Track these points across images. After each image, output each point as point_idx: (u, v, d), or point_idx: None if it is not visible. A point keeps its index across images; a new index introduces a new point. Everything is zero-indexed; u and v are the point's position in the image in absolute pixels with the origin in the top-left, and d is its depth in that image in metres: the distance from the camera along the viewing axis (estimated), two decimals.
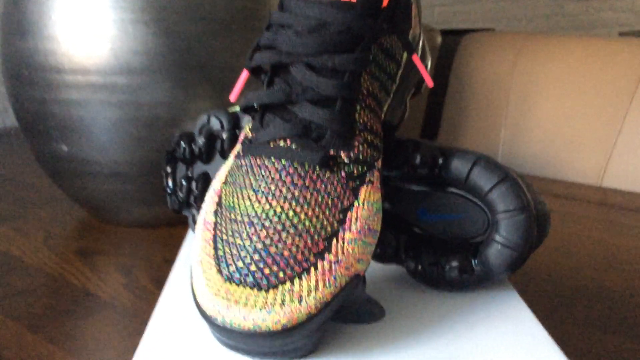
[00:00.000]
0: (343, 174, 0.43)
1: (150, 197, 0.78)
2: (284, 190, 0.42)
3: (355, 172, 0.44)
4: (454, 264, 0.49)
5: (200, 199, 0.59)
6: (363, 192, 0.44)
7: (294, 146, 0.43)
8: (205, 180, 0.59)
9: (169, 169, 0.61)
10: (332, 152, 0.44)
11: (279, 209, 0.41)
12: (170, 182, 0.61)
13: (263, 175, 0.43)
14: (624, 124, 0.90)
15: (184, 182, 0.60)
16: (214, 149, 0.58)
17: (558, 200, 0.95)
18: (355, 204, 0.43)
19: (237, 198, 0.43)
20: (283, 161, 0.43)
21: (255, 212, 0.42)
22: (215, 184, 0.47)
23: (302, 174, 0.43)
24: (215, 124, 0.57)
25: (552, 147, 0.99)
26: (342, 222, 0.42)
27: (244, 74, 0.50)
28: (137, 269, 0.71)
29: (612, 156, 0.94)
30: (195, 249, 0.44)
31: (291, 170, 0.43)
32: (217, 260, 0.41)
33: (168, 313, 0.47)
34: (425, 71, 0.48)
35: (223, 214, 0.44)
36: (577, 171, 0.96)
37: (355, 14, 0.44)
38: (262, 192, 0.42)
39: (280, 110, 0.45)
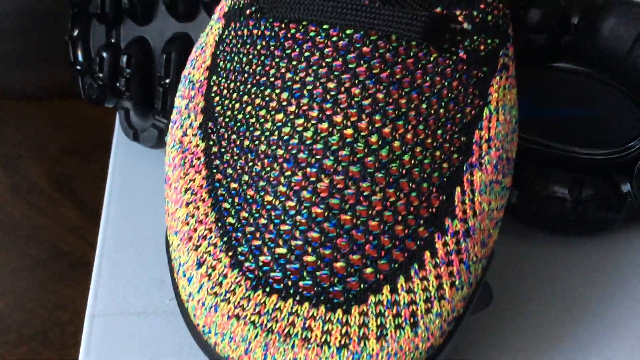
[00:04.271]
0: (462, 53, 0.22)
1: (36, 58, 0.59)
2: (356, 90, 0.21)
3: (482, 48, 0.23)
4: (588, 192, 0.30)
5: (135, 82, 0.35)
6: (495, 87, 0.23)
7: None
8: (142, 51, 0.36)
9: (76, 33, 0.37)
10: (439, 10, 0.22)
11: (349, 131, 0.21)
12: (80, 54, 0.37)
13: (307, 61, 0.21)
14: None
15: (104, 54, 0.36)
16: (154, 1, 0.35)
17: None
18: (486, 112, 0.23)
19: (251, 107, 0.22)
20: (349, 31, 0.21)
21: (300, 137, 0.20)
22: (193, 73, 0.25)
23: (389, 56, 0.22)
24: None
25: None
26: (465, 150, 0.22)
27: None
28: (24, 162, 0.51)
29: None
30: (169, 204, 0.22)
31: (366, 50, 0.21)
32: (227, 237, 0.20)
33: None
34: None
35: (222, 135, 0.22)
36: None
37: None
38: (309, 96, 0.21)
39: None
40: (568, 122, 0.31)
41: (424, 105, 0.22)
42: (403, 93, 0.22)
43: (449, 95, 0.22)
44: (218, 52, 0.24)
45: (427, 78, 0.22)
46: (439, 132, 0.22)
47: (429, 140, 0.22)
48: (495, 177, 0.23)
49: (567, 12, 0.29)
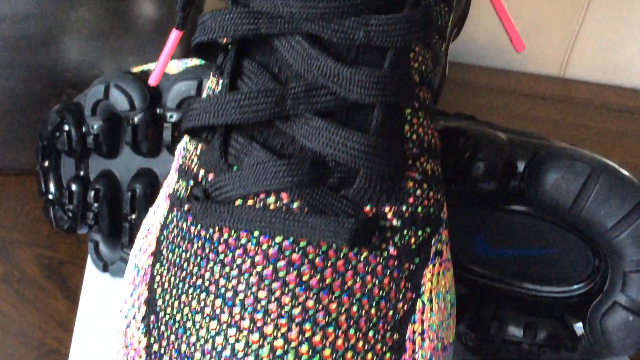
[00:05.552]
0: (392, 250, 0.23)
1: (27, 138, 0.56)
2: (286, 299, 0.22)
3: (412, 241, 0.23)
4: (542, 335, 0.30)
5: (103, 216, 0.36)
6: (428, 276, 0.23)
7: (295, 205, 0.22)
8: (109, 185, 0.36)
9: (46, 164, 0.38)
10: (368, 208, 0.22)
11: (279, 342, 0.21)
12: (52, 186, 0.38)
13: (239, 269, 0.22)
14: (590, 3, 0.77)
15: (74, 186, 0.37)
16: (119, 138, 0.35)
17: (515, 99, 0.78)
18: (418, 304, 0.23)
19: (188, 309, 0.22)
20: (278, 239, 0.22)
21: (232, 348, 0.21)
22: (139, 257, 0.25)
23: (318, 260, 0.22)
24: (118, 100, 0.34)
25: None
26: (398, 348, 0.22)
27: (173, 38, 0.26)
28: (16, 247, 0.49)
29: (576, 42, 0.82)
30: None
31: (295, 257, 0.22)
32: None
33: None
34: (512, 23, 0.26)
35: (162, 334, 0.23)
36: (536, 60, 0.84)
37: None
38: (241, 305, 0.22)
39: (263, 131, 0.23)
40: (522, 261, 0.32)
41: (354, 308, 0.22)
42: (333, 297, 0.22)
43: (380, 293, 0.22)
44: (162, 238, 0.25)
45: (358, 278, 0.22)
46: (371, 333, 0.22)
47: (360, 344, 0.22)
48: None
49: (512, 160, 0.30)
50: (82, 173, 0.38)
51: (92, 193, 0.36)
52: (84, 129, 0.36)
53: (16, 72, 0.55)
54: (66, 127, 0.36)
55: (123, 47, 0.56)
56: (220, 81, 0.24)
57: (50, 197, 0.39)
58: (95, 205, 0.36)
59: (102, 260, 0.38)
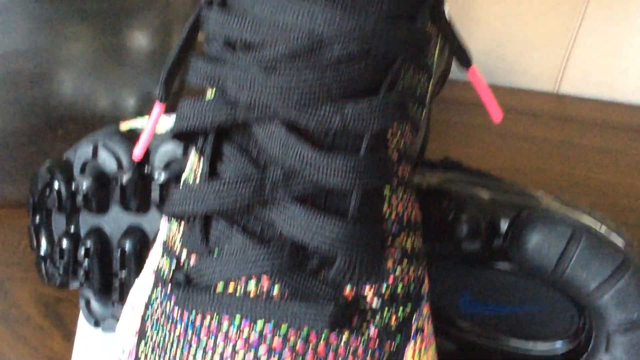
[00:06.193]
0: (373, 330, 0.23)
1: (23, 172, 0.58)
2: None
3: (393, 320, 0.23)
4: None
5: (94, 273, 0.36)
6: (410, 353, 0.24)
7: (275, 290, 0.22)
8: (99, 241, 0.37)
9: (37, 220, 0.38)
10: (348, 291, 0.22)
11: None
12: (43, 241, 0.38)
13: (220, 356, 0.22)
14: (583, 19, 0.77)
15: (64, 242, 0.37)
16: (109, 196, 0.36)
17: (510, 116, 0.78)
18: None
19: None
20: (259, 323, 0.22)
21: None
22: (124, 337, 0.25)
23: (299, 345, 0.22)
24: (107, 161, 0.34)
25: (500, 48, 0.85)
26: None
27: (157, 111, 0.27)
28: (13, 284, 0.49)
29: (570, 57, 0.82)
30: None
31: (276, 344, 0.22)
32: None
33: None
34: (491, 95, 0.27)
35: None
36: (530, 76, 0.84)
37: (378, 17, 0.22)
38: None
39: (243, 216, 0.23)
40: (507, 317, 0.32)
41: None
42: None
43: None
44: (147, 317, 0.25)
45: None
46: None
47: None
48: None
49: (495, 220, 0.30)
50: (72, 229, 0.38)
51: (83, 250, 0.37)
52: (73, 187, 0.37)
53: (12, 107, 0.55)
54: (56, 185, 0.37)
55: (117, 80, 0.56)
56: (201, 162, 0.25)
57: (42, 252, 0.39)
58: (86, 263, 0.37)
59: (93, 317, 0.38)
